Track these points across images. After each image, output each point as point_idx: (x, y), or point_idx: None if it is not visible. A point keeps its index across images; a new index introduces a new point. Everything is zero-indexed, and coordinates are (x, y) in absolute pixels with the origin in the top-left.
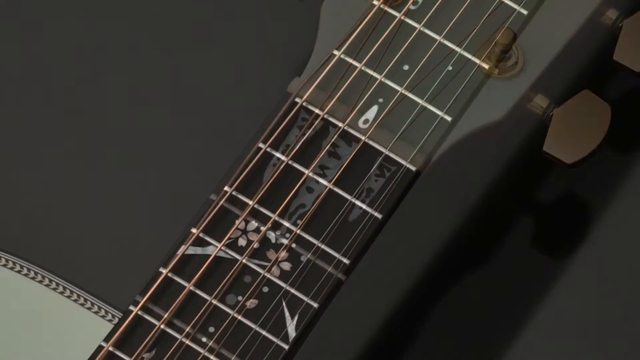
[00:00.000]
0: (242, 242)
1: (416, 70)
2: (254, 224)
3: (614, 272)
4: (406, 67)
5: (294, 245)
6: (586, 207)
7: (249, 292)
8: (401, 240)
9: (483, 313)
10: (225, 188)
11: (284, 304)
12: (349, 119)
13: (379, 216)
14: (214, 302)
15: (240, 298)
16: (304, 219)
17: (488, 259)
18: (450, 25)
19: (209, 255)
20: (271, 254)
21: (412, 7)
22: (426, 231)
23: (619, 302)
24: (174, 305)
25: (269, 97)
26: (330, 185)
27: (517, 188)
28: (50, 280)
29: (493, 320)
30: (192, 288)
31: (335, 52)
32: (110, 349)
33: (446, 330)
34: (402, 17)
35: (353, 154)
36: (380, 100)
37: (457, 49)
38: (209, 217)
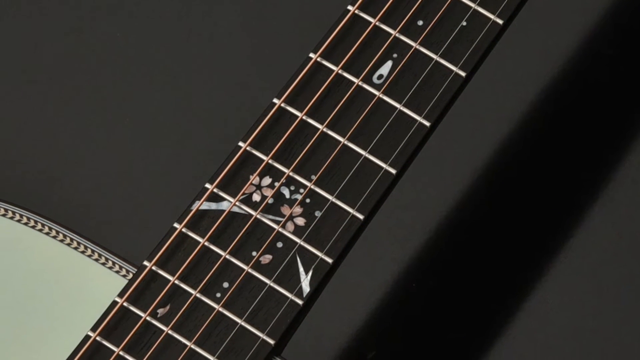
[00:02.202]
0: (256, 197)
1: (430, 25)
2: (268, 179)
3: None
4: (420, 23)
5: (308, 201)
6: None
7: (263, 248)
8: (416, 195)
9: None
10: (240, 143)
11: (298, 259)
12: (363, 74)
13: (393, 171)
14: (228, 257)
15: (254, 253)
16: (318, 174)
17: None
18: None
19: (224, 211)
20: (285, 210)
21: None
22: (440, 186)
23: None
24: (188, 260)
25: (289, 57)
26: (344, 141)
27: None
28: (65, 236)
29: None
30: (206, 243)
31: (350, 7)
32: (125, 304)
33: (463, 285)
34: None
35: (367, 110)
36: (395, 55)
37: (472, 4)
38: (224, 173)
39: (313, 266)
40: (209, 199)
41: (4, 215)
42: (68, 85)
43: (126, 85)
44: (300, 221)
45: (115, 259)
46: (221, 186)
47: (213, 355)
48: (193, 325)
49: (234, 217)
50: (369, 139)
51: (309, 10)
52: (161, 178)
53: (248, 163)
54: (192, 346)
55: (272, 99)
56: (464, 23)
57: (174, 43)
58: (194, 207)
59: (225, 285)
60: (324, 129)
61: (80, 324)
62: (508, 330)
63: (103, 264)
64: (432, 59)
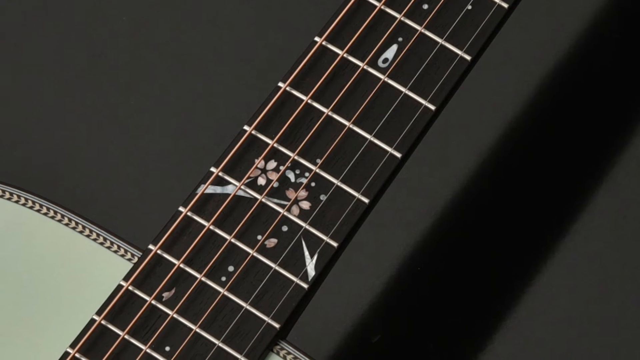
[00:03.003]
0: (261, 181)
1: (435, 9)
2: (273, 163)
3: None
4: (425, 7)
5: (313, 184)
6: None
7: (268, 232)
8: (422, 179)
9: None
10: (245, 127)
11: (303, 243)
12: (368, 58)
13: (398, 155)
14: (233, 241)
15: (259, 237)
16: (323, 158)
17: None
18: None
19: (229, 195)
20: (290, 193)
21: None
22: (445, 170)
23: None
24: (193, 244)
25: (295, 41)
26: (349, 125)
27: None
28: (70, 220)
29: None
30: (211, 227)
31: None
32: (130, 287)
33: (470, 271)
34: None
35: (373, 93)
36: (400, 39)
37: None
38: (229, 157)
39: (318, 250)
40: (214, 183)
41: (9, 198)
42: (73, 70)
43: (131, 69)
44: (306, 205)
45: (121, 243)
46: (226, 170)
47: (218, 339)
48: (198, 309)
49: (239, 201)
50: (374, 122)
51: None
52: (166, 162)
53: (253, 147)
54: (197, 330)
55: (278, 82)
56: (469, 7)
57: (180, 26)
58: (199, 191)
59: (231, 269)
60: (329, 113)
61: (86, 307)
62: (513, 314)
63: (108, 247)
64: (437, 42)
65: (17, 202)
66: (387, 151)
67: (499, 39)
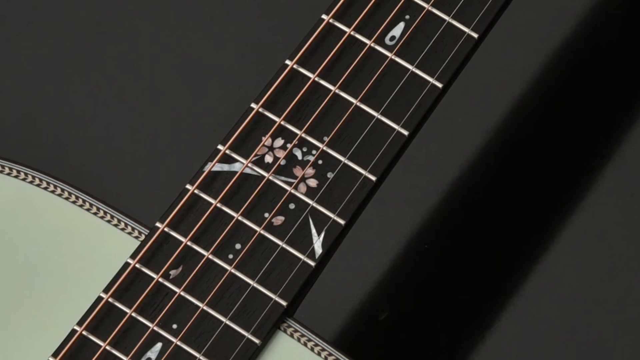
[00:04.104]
0: (268, 159)
1: None
2: (280, 140)
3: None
4: None
5: (320, 162)
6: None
7: (275, 209)
8: (429, 157)
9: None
10: (252, 105)
11: (310, 220)
12: (375, 35)
13: (406, 133)
14: (241, 218)
15: (266, 215)
16: (330, 136)
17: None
18: None
19: (236, 172)
20: (297, 171)
21: None
22: (452, 148)
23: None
24: (200, 222)
25: (302, 19)
26: (356, 102)
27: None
28: (77, 197)
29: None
30: (218, 205)
31: None
32: (137, 265)
33: (476, 250)
34: None
35: (380, 71)
36: (407, 17)
37: None
38: (236, 134)
39: (325, 227)
40: (221, 161)
41: (16, 176)
42: (80, 47)
43: (138, 46)
44: (313, 182)
45: (128, 221)
46: (233, 147)
47: (225, 316)
48: (205, 286)
49: (246, 179)
50: (382, 100)
51: None
52: (173, 139)
53: (260, 124)
54: (205, 307)
55: (285, 60)
56: None
57: (187, 4)
58: (207, 169)
59: (238, 246)
60: (336, 91)
61: (93, 285)
62: (520, 292)
63: (115, 225)
64: (444, 20)
65: (24, 180)
66: (394, 129)
67: (506, 16)
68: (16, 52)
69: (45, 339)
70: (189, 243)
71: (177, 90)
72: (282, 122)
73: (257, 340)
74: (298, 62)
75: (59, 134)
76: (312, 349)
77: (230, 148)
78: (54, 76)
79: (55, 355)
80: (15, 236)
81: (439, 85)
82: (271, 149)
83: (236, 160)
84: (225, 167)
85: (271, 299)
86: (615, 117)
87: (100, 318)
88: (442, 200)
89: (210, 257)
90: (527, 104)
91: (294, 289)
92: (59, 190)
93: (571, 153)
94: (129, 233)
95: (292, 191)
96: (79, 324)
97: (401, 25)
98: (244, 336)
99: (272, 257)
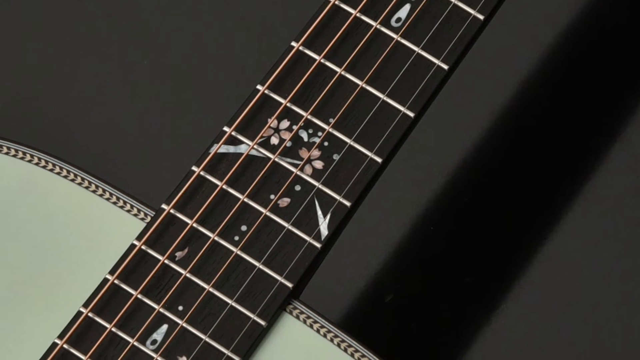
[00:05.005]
0: (274, 140)
1: None
2: (286, 122)
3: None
4: None
5: (326, 144)
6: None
7: (281, 191)
8: (434, 138)
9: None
10: (258, 87)
11: (316, 202)
12: (381, 17)
13: (411, 114)
14: (246, 200)
15: (272, 196)
16: (336, 118)
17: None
18: None
19: (242, 154)
20: (303, 153)
21: None
22: (458, 129)
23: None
24: (206, 203)
25: (310, 1)
26: (362, 84)
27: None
28: (83, 179)
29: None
30: (224, 186)
31: None
32: (143, 247)
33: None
34: None
35: (385, 53)
36: None
37: None
38: (242, 116)
39: (331, 209)
40: (227, 142)
41: (22, 158)
42: (86, 28)
43: (144, 27)
44: (319, 164)
45: (134, 202)
46: (239, 129)
47: (231, 298)
48: (211, 268)
49: (252, 160)
50: (387, 82)
51: None
52: (179, 121)
53: (266, 106)
54: (210, 289)
55: (291, 42)
56: None
57: None
58: (212, 150)
59: (244, 228)
60: (342, 72)
61: (99, 267)
62: (526, 273)
63: (121, 207)
64: (450, 2)
65: (30, 161)
66: (400, 110)
67: None
68: (20, 31)
69: (51, 321)
70: (194, 225)
71: (183, 72)
72: (288, 104)
73: (262, 322)
74: (304, 44)
75: (65, 115)
76: (317, 331)
77: (236, 130)
78: (60, 57)
79: (61, 336)
80: (21, 218)
81: (445, 67)
82: (277, 130)
83: (242, 142)
84: (231, 149)
85: (277, 280)
86: (622, 98)
87: (106, 300)
88: (448, 182)
89: (216, 239)
90: (533, 86)
91: (300, 271)
92: (64, 172)
93: (577, 134)
94: (135, 215)
95: (298, 173)
96: (85, 305)
97: (407, 7)
98: (249, 318)
99: (277, 238)
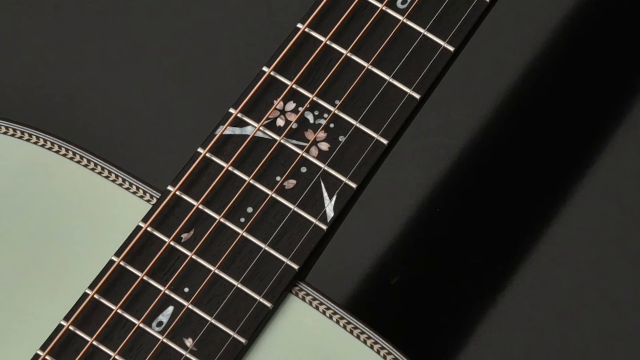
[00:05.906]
0: (280, 122)
1: None
2: (292, 104)
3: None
4: None
5: (332, 125)
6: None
7: (287, 173)
8: (440, 120)
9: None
10: (264, 68)
11: (322, 184)
12: None
13: (417, 96)
14: (252, 182)
15: (278, 178)
16: (342, 99)
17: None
18: None
19: (248, 136)
20: (309, 134)
21: None
22: (464, 111)
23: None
24: (212, 185)
25: None
26: (368, 66)
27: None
28: (89, 161)
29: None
30: (230, 168)
31: None
32: (149, 229)
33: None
34: None
35: (391, 34)
36: None
37: None
38: (248, 98)
39: (337, 191)
40: (233, 124)
41: (28, 140)
42: (92, 11)
43: (150, 10)
44: (324, 146)
45: (140, 184)
46: (245, 111)
47: (237, 280)
48: (217, 250)
49: (258, 142)
50: (393, 64)
51: None
52: (185, 103)
53: (272, 88)
54: (216, 271)
55: (296, 24)
56: None
57: None
58: (218, 132)
59: (249, 210)
60: (348, 54)
61: (104, 248)
62: (532, 256)
63: (127, 188)
64: None
65: (35, 143)
66: (405, 92)
67: None
68: (26, 14)
69: (57, 303)
70: (200, 206)
71: (189, 53)
72: (294, 86)
73: (268, 304)
74: (310, 26)
75: (70, 96)
76: (323, 313)
77: (242, 111)
78: (64, 38)
79: (66, 319)
80: (27, 199)
81: (451, 48)
82: (283, 112)
83: (248, 124)
84: (237, 131)
85: (283, 262)
86: (628, 81)
87: (112, 282)
88: (454, 164)
89: (222, 220)
90: (538, 67)
91: (306, 253)
92: (70, 154)
93: (583, 116)
94: (141, 196)
95: (304, 155)
96: (91, 287)
97: None
98: (255, 300)
99: (283, 220)
